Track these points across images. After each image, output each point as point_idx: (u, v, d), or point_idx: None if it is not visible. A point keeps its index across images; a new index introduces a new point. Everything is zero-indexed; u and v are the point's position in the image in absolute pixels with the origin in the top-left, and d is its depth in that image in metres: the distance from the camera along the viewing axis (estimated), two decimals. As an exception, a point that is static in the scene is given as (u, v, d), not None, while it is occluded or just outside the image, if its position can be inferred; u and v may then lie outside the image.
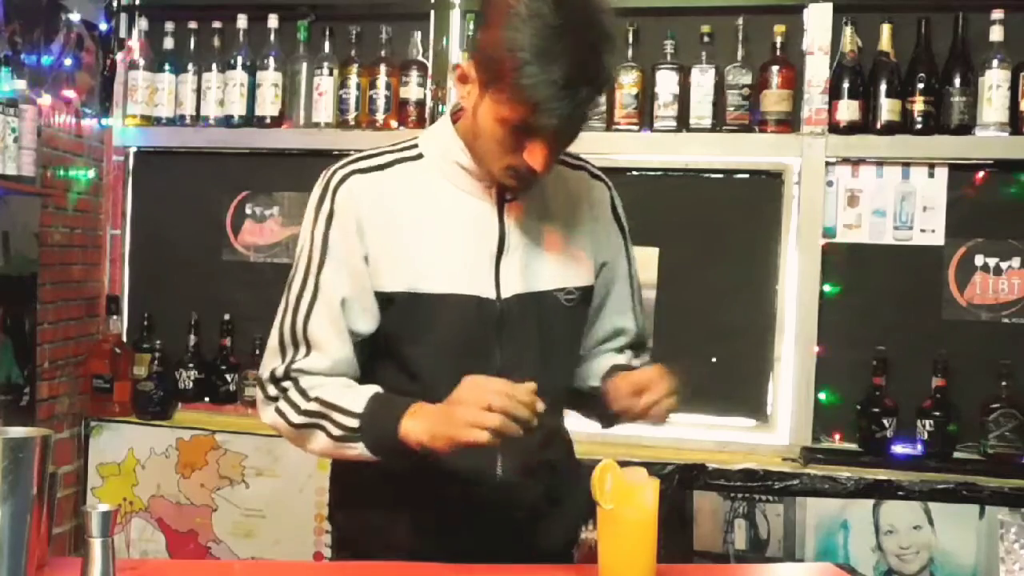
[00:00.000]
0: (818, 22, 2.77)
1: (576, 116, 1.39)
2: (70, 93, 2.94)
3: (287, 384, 1.51)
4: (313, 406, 1.48)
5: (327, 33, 3.04)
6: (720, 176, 2.91)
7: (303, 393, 1.50)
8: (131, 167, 3.25)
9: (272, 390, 1.53)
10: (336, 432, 1.46)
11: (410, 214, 1.51)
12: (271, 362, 1.54)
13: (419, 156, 1.56)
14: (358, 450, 1.45)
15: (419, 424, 1.40)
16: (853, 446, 2.75)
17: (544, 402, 1.39)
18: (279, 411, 1.51)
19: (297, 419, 1.49)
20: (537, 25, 1.33)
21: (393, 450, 1.43)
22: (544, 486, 1.60)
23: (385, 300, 1.51)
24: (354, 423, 1.44)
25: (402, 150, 1.57)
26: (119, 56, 3.17)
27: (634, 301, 1.72)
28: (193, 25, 3.14)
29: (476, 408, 1.34)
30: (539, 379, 1.41)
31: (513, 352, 1.52)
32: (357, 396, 1.47)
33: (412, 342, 1.52)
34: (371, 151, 1.58)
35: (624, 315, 1.71)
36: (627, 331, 1.71)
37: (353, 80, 3.00)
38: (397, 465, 1.46)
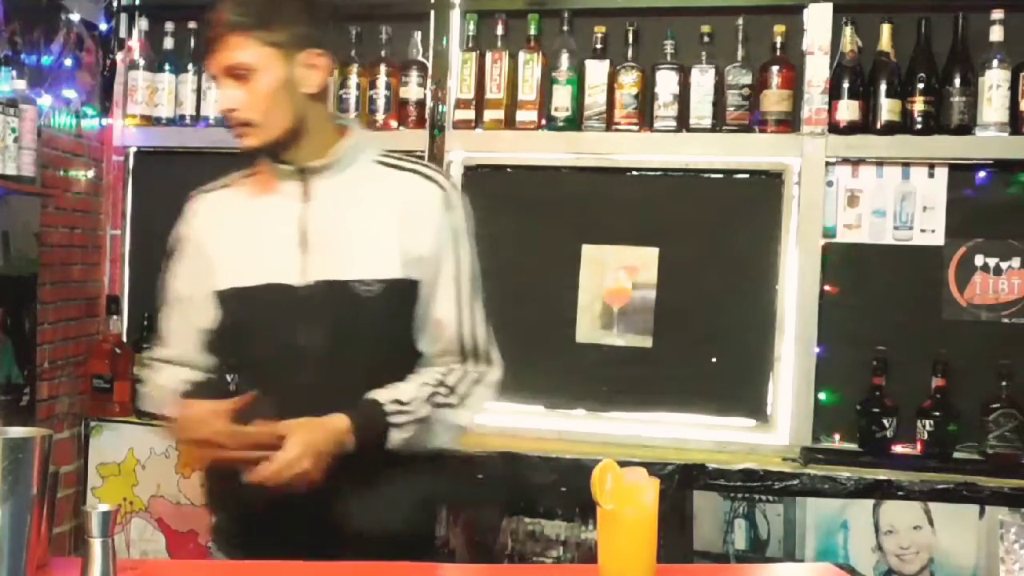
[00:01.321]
0: (818, 22, 2.77)
1: (223, 44, 1.64)
2: (70, 93, 2.94)
3: (145, 372, 1.87)
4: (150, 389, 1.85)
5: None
6: (720, 176, 2.91)
7: (151, 380, 1.85)
8: (131, 167, 3.25)
9: (143, 374, 1.90)
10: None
11: (238, 222, 1.75)
12: (149, 353, 1.90)
13: (257, 172, 1.79)
14: None
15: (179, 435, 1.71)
16: (853, 446, 2.75)
17: (340, 389, 1.62)
18: (144, 395, 1.89)
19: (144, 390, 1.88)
20: None
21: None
22: (358, 478, 1.66)
23: (219, 298, 1.74)
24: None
25: (250, 169, 1.81)
26: (119, 56, 3.17)
27: (459, 301, 1.74)
28: (193, 25, 3.14)
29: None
30: (335, 365, 1.65)
31: (310, 337, 1.67)
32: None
33: (236, 333, 1.74)
34: (227, 176, 1.85)
35: (446, 309, 1.73)
36: (445, 324, 1.73)
37: (353, 80, 3.00)
38: None
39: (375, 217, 1.70)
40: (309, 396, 1.62)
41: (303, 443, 1.55)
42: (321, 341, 1.66)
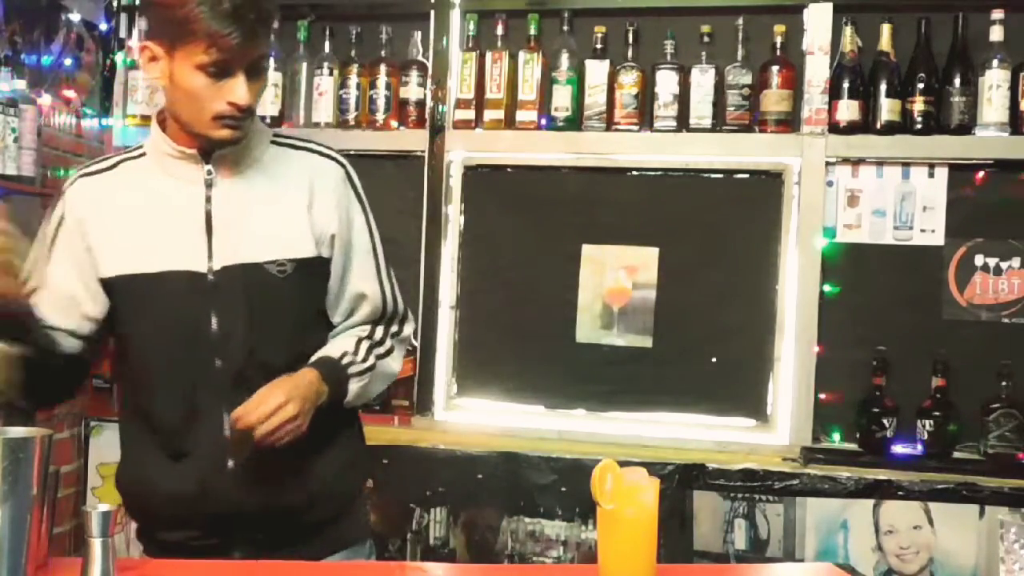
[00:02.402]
0: (818, 22, 2.77)
1: (252, 39, 1.56)
2: (70, 93, 2.94)
3: None
4: None
5: (327, 33, 3.04)
6: (720, 176, 2.91)
7: None
8: (131, 167, 3.25)
9: None
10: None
11: (129, 205, 1.68)
12: None
13: (142, 155, 1.73)
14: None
15: None
16: (853, 446, 2.76)
17: (260, 371, 1.60)
18: None
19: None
20: None
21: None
22: (277, 461, 1.65)
23: (108, 285, 1.67)
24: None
25: (130, 151, 1.76)
26: (119, 56, 3.17)
27: (378, 270, 1.79)
28: (193, 25, 3.14)
29: None
30: (253, 348, 1.62)
31: (226, 323, 1.64)
32: None
33: (133, 322, 1.67)
34: (102, 158, 1.78)
35: (366, 282, 1.77)
36: (369, 297, 1.77)
37: (353, 80, 3.00)
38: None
39: (282, 197, 1.69)
40: (228, 381, 1.62)
41: (285, 389, 1.56)
42: (237, 326, 1.63)
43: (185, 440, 1.65)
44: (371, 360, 1.73)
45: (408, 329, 1.84)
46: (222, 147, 1.64)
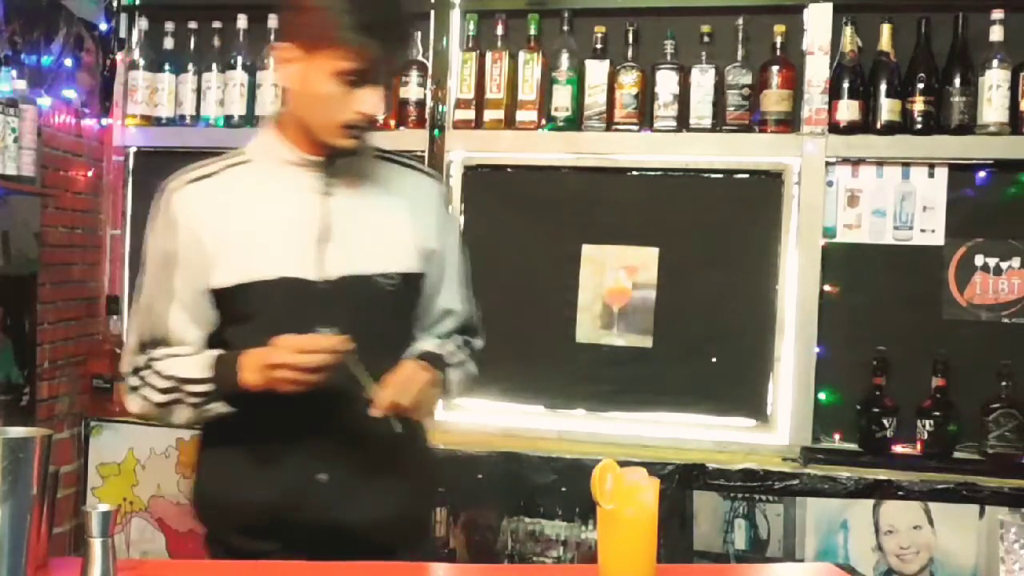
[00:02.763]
0: (818, 22, 2.77)
1: (391, 51, 1.61)
2: (70, 93, 2.94)
3: (145, 372, 1.68)
4: (170, 383, 1.65)
5: (327, 33, 3.04)
6: (720, 176, 2.91)
7: (160, 374, 1.67)
8: (131, 167, 3.25)
9: (134, 381, 1.70)
10: (194, 401, 1.64)
11: (239, 212, 1.67)
12: (130, 359, 1.72)
13: (246, 161, 1.73)
14: (219, 411, 1.64)
15: (250, 371, 1.58)
16: (853, 446, 2.75)
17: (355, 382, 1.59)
18: (143, 397, 1.69)
19: (159, 398, 1.66)
20: None
21: (244, 398, 1.61)
22: (365, 458, 1.68)
23: (219, 295, 1.67)
24: (206, 387, 1.62)
25: (230, 158, 1.75)
26: (119, 56, 3.17)
27: (462, 287, 1.85)
28: (193, 25, 3.14)
29: (284, 360, 1.54)
30: (360, 358, 1.59)
31: (334, 331, 1.62)
32: (202, 364, 1.64)
33: (240, 328, 1.67)
34: (200, 164, 1.75)
35: (453, 299, 1.83)
36: (455, 312, 1.84)
37: (353, 80, 3.00)
38: (258, 411, 1.61)
39: (392, 212, 1.72)
40: (326, 391, 1.60)
41: (412, 370, 1.61)
42: (344, 335, 1.60)
43: (277, 449, 1.66)
44: (461, 356, 1.80)
45: (479, 343, 1.88)
46: (342, 156, 1.66)
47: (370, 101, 1.60)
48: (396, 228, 1.72)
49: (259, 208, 1.67)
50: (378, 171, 1.75)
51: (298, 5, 1.62)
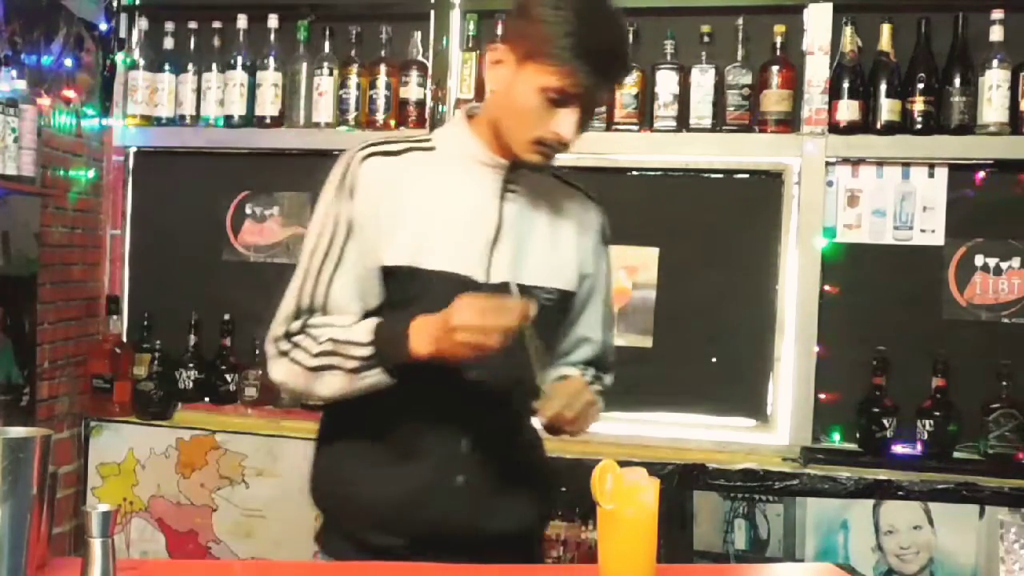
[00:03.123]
0: (818, 22, 2.77)
1: (603, 84, 1.55)
2: (70, 93, 2.94)
3: (299, 337, 1.60)
4: (327, 346, 1.56)
5: (327, 33, 3.04)
6: (720, 176, 2.91)
7: (315, 339, 1.58)
8: (131, 167, 3.26)
9: (284, 345, 1.61)
10: (351, 365, 1.54)
11: (417, 196, 1.62)
12: (284, 325, 1.62)
13: (431, 148, 1.68)
14: (373, 378, 1.54)
15: (423, 337, 1.50)
16: (853, 446, 2.76)
17: (499, 392, 1.57)
18: (293, 360, 1.59)
19: (312, 362, 1.57)
20: (581, 5, 1.52)
21: (406, 368, 1.52)
22: (506, 465, 1.66)
23: (387, 273, 1.61)
24: (366, 352, 1.54)
25: (416, 141, 1.69)
26: (119, 56, 3.17)
27: (605, 319, 1.82)
28: (193, 25, 3.14)
29: (468, 321, 1.45)
30: (500, 367, 1.54)
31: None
32: (363, 328, 1.56)
33: (401, 316, 1.58)
34: (387, 139, 1.68)
35: (593, 328, 1.80)
36: (592, 341, 1.80)
37: (353, 80, 3.00)
38: (414, 385, 1.54)
39: (559, 227, 1.70)
40: (478, 394, 1.58)
41: (580, 385, 1.59)
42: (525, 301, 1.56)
43: (417, 446, 1.62)
44: (597, 387, 1.76)
45: (609, 380, 1.85)
46: (526, 166, 1.62)
47: (568, 123, 1.55)
48: (562, 245, 1.70)
49: (437, 197, 1.62)
50: (550, 185, 1.72)
51: (523, 11, 1.57)
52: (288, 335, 1.61)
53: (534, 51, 1.53)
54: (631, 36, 2.84)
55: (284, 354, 1.60)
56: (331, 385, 1.57)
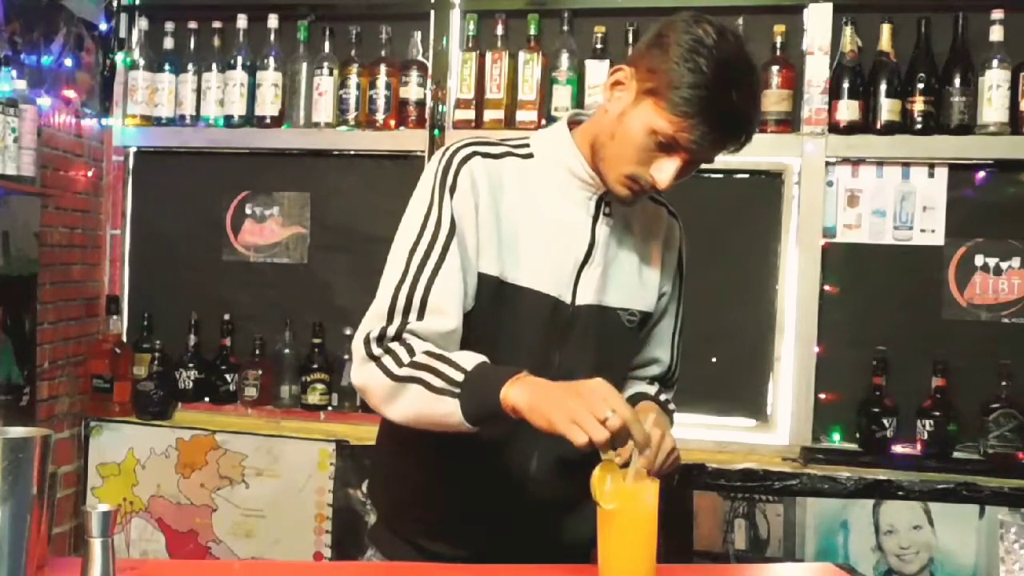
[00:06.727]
0: (818, 22, 2.77)
1: (715, 148, 1.47)
2: (70, 93, 2.94)
3: (395, 344, 1.48)
4: (421, 359, 1.45)
5: (327, 33, 3.04)
6: (720, 176, 2.91)
7: (411, 350, 1.47)
8: (131, 167, 3.26)
9: (376, 348, 1.49)
10: (438, 383, 1.42)
11: (513, 205, 1.55)
12: (377, 323, 1.51)
13: (529, 155, 1.60)
14: (448, 408, 1.41)
15: (522, 392, 1.37)
16: (853, 446, 2.76)
17: None
18: (381, 366, 1.47)
19: (399, 371, 1.45)
20: (721, 58, 1.41)
21: (486, 410, 1.40)
22: (573, 485, 1.57)
23: (478, 281, 1.54)
24: (459, 376, 1.41)
25: (514, 146, 1.61)
26: (119, 56, 3.17)
27: (675, 336, 1.81)
28: (193, 25, 3.14)
29: (590, 411, 1.32)
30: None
31: (571, 359, 1.57)
32: (469, 356, 1.46)
33: (486, 327, 1.54)
34: (485, 139, 1.60)
35: (664, 347, 1.79)
36: (662, 362, 1.79)
37: (353, 80, 3.00)
38: (484, 431, 1.44)
39: (645, 249, 1.68)
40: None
41: (664, 426, 1.51)
42: (581, 365, 1.53)
43: (484, 460, 1.55)
44: (671, 408, 1.77)
45: (670, 397, 1.83)
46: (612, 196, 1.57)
47: (667, 172, 1.48)
48: (648, 267, 1.68)
49: (531, 209, 1.56)
50: (642, 204, 1.66)
51: (660, 42, 1.47)
52: (382, 339, 1.49)
53: (658, 90, 1.43)
54: (631, 36, 2.85)
55: (374, 359, 1.48)
56: (407, 404, 1.46)
